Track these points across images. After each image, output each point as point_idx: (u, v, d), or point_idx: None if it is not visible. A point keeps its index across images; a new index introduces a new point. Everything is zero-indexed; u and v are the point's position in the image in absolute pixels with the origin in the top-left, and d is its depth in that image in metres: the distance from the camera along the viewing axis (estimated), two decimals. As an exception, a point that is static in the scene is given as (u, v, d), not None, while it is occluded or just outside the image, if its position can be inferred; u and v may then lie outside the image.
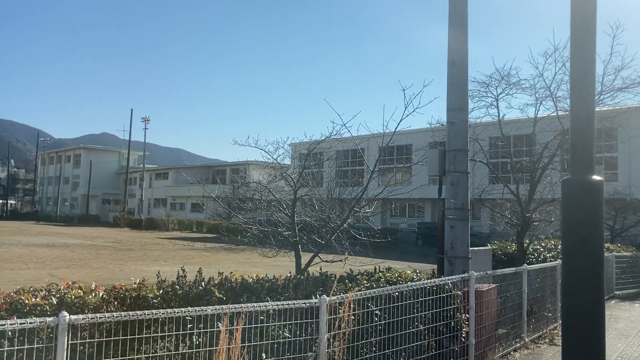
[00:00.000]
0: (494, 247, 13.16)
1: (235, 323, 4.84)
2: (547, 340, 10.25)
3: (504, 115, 12.87)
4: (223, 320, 4.80)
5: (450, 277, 7.40)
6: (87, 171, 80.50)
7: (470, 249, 9.22)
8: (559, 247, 13.40)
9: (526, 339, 9.71)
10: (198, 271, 6.03)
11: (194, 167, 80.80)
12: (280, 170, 11.45)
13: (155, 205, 75.24)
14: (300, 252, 10.28)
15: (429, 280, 6.89)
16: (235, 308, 4.88)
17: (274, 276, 6.52)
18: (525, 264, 10.25)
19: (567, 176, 4.29)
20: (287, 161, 12.78)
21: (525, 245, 12.65)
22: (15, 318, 4.03)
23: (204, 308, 4.75)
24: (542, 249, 13.66)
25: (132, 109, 76.70)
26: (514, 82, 12.27)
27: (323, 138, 10.96)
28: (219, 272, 6.20)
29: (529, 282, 9.94)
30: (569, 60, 4.46)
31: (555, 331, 10.78)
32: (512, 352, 9.10)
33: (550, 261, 12.11)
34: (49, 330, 4.05)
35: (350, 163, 46.39)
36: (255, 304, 5.06)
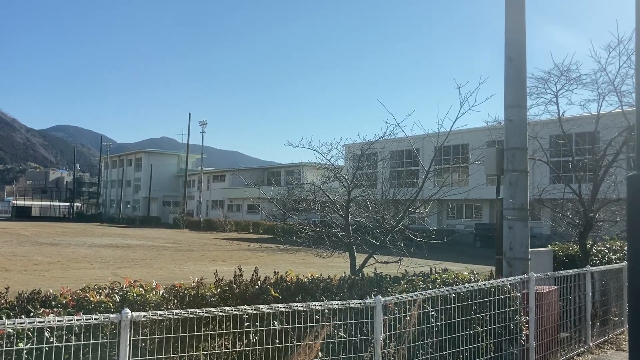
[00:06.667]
0: (555, 248, 12.73)
1: (291, 322, 4.89)
2: (613, 345, 9.85)
3: (564, 112, 12.44)
4: (323, 327, 4.85)
5: (508, 279, 7.22)
6: (147, 174, 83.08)
7: (530, 250, 8.97)
8: (625, 248, 12.84)
9: (590, 344, 9.36)
10: (254, 271, 6.11)
11: (249, 169, 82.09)
12: (334, 171, 11.46)
13: (213, 206, 76.85)
14: (355, 253, 10.26)
15: (486, 282, 6.75)
16: (290, 307, 4.93)
17: (328, 276, 6.54)
18: (589, 266, 9.88)
19: (634, 173, 4.11)
20: (341, 162, 12.78)
21: (588, 246, 12.19)
22: (81, 314, 4.21)
23: (260, 306, 4.81)
24: (606, 251, 13.13)
25: (189, 113, 78.58)
26: (574, 78, 11.83)
27: (376, 138, 10.90)
28: (275, 272, 6.27)
29: (593, 284, 9.58)
30: (635, 52, 4.27)
31: (622, 336, 10.34)
32: (575, 357, 8.79)
33: (616, 263, 11.63)
34: (112, 326, 4.20)
35: (405, 163, 46.01)
36: (310, 303, 5.09)
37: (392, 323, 5.51)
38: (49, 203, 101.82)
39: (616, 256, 12.81)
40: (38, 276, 17.41)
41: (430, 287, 6.41)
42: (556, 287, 8.39)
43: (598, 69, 11.61)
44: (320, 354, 5.13)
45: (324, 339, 5.16)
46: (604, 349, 9.60)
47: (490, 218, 45.30)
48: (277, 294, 5.69)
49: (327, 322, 5.19)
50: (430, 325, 5.86)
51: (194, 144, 77.09)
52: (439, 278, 6.85)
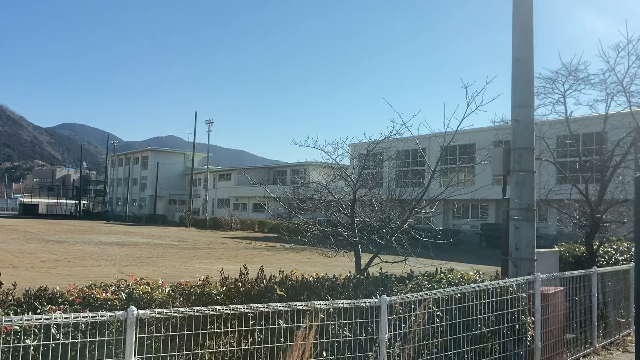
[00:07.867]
0: (561, 249, 12.68)
1: (296, 321, 4.89)
2: (619, 346, 9.80)
3: (571, 112, 12.38)
4: (307, 318, 4.85)
5: (514, 279, 7.21)
6: (154, 172, 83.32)
7: (536, 250, 8.94)
8: (633, 249, 12.78)
9: (596, 345, 9.32)
10: (260, 269, 6.12)
11: (255, 168, 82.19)
12: (340, 171, 11.44)
13: (219, 205, 77.04)
14: (360, 253, 10.25)
15: (492, 282, 6.74)
16: (296, 305, 4.93)
17: (333, 275, 6.54)
18: (595, 267, 9.84)
19: (641, 174, 4.09)
20: (347, 161, 12.74)
21: (595, 247, 12.14)
22: (87, 311, 4.23)
23: (265, 305, 4.82)
24: (613, 252, 13.07)
25: (196, 112, 78.77)
26: (582, 78, 11.77)
27: (382, 138, 10.87)
28: (280, 271, 6.28)
29: (600, 285, 9.54)
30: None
31: (629, 337, 10.29)
32: (581, 358, 8.75)
33: (623, 264, 11.58)
34: (118, 323, 4.22)
35: (411, 163, 45.98)
36: (315, 302, 5.09)
37: (397, 323, 5.50)
38: (55, 201, 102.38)
39: (623, 257, 12.75)
40: (45, 273, 17.50)
41: (436, 287, 6.40)
42: (562, 287, 8.36)
43: (606, 69, 11.55)
44: (325, 353, 5.14)
45: (327, 339, 5.17)
46: (610, 350, 9.55)
47: (497, 218, 45.19)
48: (282, 293, 5.69)
49: (332, 321, 5.20)
50: (435, 325, 5.85)
51: (200, 142, 77.37)
52: (444, 278, 6.84)
